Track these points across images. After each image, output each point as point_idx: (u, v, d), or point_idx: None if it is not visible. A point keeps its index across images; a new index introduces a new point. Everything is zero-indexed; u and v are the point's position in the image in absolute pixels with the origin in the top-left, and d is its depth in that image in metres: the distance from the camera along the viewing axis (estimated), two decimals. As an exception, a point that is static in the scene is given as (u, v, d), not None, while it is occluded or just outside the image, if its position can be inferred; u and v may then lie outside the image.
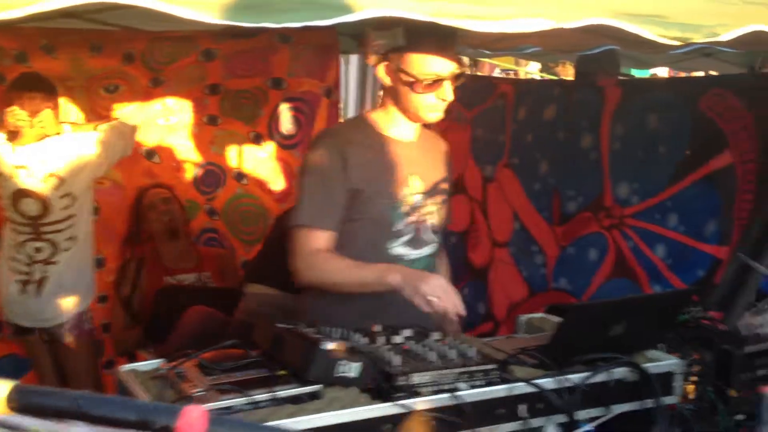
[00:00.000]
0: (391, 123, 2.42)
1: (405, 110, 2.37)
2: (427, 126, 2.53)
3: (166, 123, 4.01)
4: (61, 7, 1.51)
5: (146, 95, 3.92)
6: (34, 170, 3.36)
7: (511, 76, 10.94)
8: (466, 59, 10.65)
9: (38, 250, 3.41)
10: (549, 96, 3.78)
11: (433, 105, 2.33)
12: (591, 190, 3.50)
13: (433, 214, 2.45)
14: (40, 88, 3.35)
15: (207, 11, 1.58)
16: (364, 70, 4.55)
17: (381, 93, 4.56)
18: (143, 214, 3.80)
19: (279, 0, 1.62)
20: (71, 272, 3.48)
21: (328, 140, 2.43)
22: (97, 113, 3.82)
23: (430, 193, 2.44)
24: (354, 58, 4.52)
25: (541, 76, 9.95)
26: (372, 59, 2.34)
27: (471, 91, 4.25)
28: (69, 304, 3.47)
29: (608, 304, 2.20)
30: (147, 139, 3.96)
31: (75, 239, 3.47)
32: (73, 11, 3.26)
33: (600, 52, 3.51)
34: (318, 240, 2.33)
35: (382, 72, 2.33)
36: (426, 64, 2.27)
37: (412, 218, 2.40)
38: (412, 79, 2.28)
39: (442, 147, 2.59)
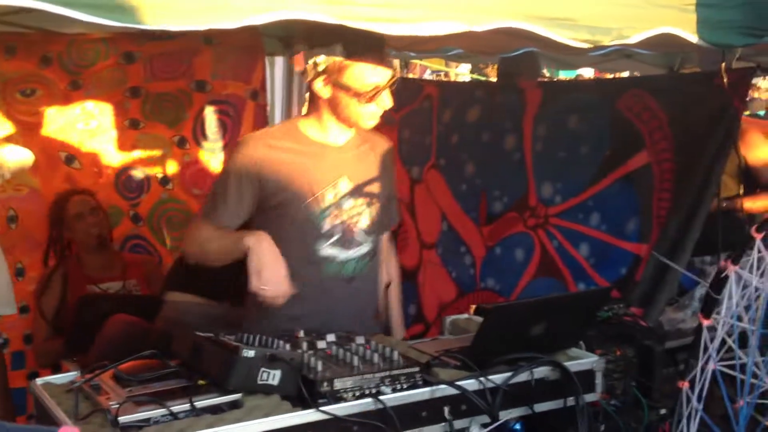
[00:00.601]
0: (322, 129, 2.45)
1: (344, 120, 2.42)
2: None
3: (86, 127, 3.89)
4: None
5: (65, 99, 3.80)
6: None
7: (442, 77, 11.04)
8: (396, 61, 10.74)
9: None
10: (472, 98, 3.81)
11: (373, 113, 2.39)
12: (516, 190, 3.54)
13: (363, 214, 2.47)
14: None
15: (113, 15, 1.54)
16: (290, 72, 4.51)
17: (307, 96, 4.58)
18: (69, 223, 3.67)
19: (183, 2, 1.58)
20: None
21: (248, 143, 2.46)
22: (13, 118, 3.69)
23: (358, 194, 2.46)
24: (279, 60, 4.48)
25: (471, 78, 10.05)
26: (308, 74, 2.35)
27: (399, 93, 4.22)
28: None
29: (528, 303, 2.23)
30: (67, 144, 3.84)
31: None
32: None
33: (521, 54, 3.56)
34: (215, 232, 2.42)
35: (319, 85, 2.35)
36: (365, 77, 2.31)
37: (340, 219, 2.42)
38: (353, 93, 2.32)
39: (381, 148, 2.60)
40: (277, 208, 2.40)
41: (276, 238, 2.33)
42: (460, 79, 10.82)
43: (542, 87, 3.63)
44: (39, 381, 2.01)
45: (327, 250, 2.42)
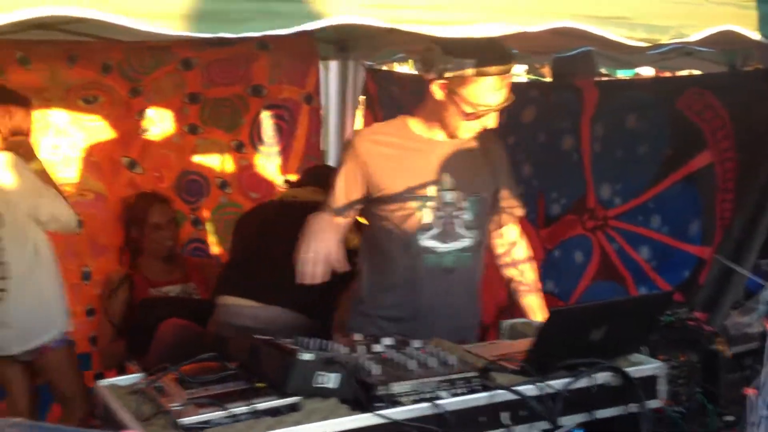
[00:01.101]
0: (428, 126, 2.53)
1: (445, 126, 2.49)
2: None
3: (147, 133, 3.98)
4: (25, 18, 1.48)
5: (126, 106, 3.89)
6: None
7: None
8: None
9: None
10: (528, 98, 3.76)
11: (474, 129, 2.46)
12: (574, 191, 3.49)
13: (465, 209, 2.53)
14: None
15: (166, 24, 1.56)
16: (344, 76, 4.54)
17: (363, 98, 4.59)
18: (146, 230, 3.75)
19: (236, 10, 1.60)
20: (16, 314, 3.27)
21: (356, 137, 2.61)
22: (77, 124, 3.80)
23: (461, 188, 2.52)
24: (333, 65, 4.51)
25: (527, 78, 9.95)
26: (429, 75, 2.41)
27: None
28: (16, 341, 3.32)
29: (589, 307, 2.19)
30: (129, 149, 3.93)
31: (7, 268, 3.24)
32: (47, 22, 3.23)
33: (576, 53, 3.51)
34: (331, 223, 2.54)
35: (436, 87, 2.41)
36: (484, 97, 2.36)
37: (441, 213, 2.49)
38: (466, 107, 2.37)
39: (489, 143, 2.64)
40: (382, 200, 2.50)
41: (379, 228, 2.53)
42: (515, 79, 10.70)
43: (599, 86, 3.57)
44: (103, 382, 2.05)
45: (426, 241, 2.50)
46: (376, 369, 1.92)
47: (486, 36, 1.91)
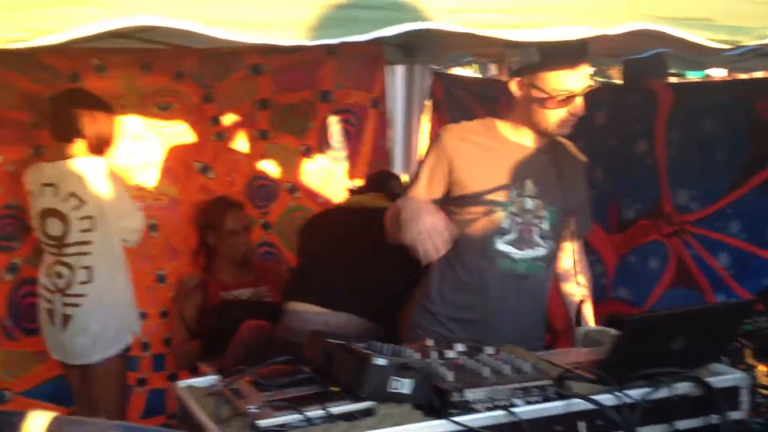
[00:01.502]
0: (516, 129, 2.50)
1: (535, 124, 2.45)
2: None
3: (218, 138, 4.05)
4: (110, 29, 1.52)
5: (198, 112, 3.96)
6: (59, 189, 3.29)
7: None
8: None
9: (59, 275, 3.31)
10: (599, 101, 3.69)
11: (564, 119, 2.41)
12: (648, 196, 3.42)
13: (543, 218, 2.50)
14: (67, 105, 3.36)
15: (246, 31, 1.59)
16: (410, 80, 4.54)
17: (429, 102, 4.58)
18: (221, 235, 3.81)
19: (313, 17, 1.61)
20: (95, 318, 3.32)
21: (445, 132, 2.54)
22: (152, 130, 3.88)
23: (542, 197, 2.49)
24: (399, 69, 4.52)
25: (594, 80, 9.81)
26: (505, 74, 2.45)
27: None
28: (97, 348, 3.36)
29: (668, 315, 2.13)
30: (201, 155, 4.00)
31: (92, 272, 3.29)
32: (122, 31, 3.31)
33: (648, 55, 3.43)
34: None
35: (514, 86, 2.43)
36: (559, 81, 2.34)
37: (520, 219, 2.47)
38: (544, 95, 2.35)
39: (574, 158, 2.64)
40: (461, 199, 2.48)
41: (460, 227, 2.47)
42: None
43: (674, 88, 3.50)
44: (181, 384, 2.09)
45: (502, 246, 2.48)
46: (449, 375, 1.91)
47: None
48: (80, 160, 3.29)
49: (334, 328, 2.95)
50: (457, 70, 5.83)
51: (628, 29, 1.91)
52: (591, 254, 3.67)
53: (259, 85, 4.03)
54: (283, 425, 1.76)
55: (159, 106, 3.87)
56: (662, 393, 1.91)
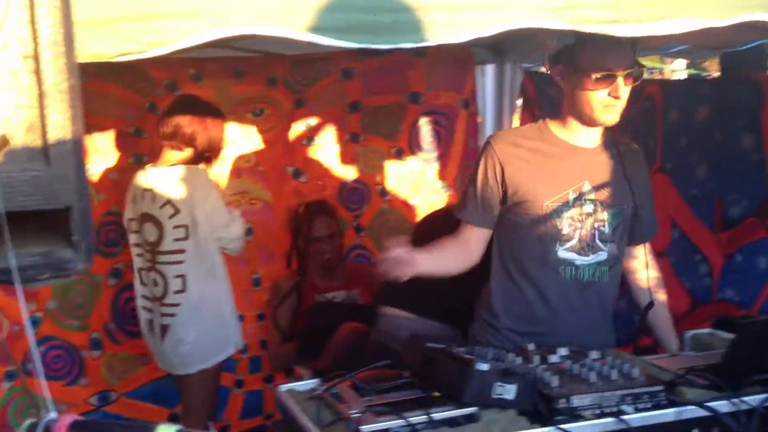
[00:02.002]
0: (568, 129, 2.43)
1: (579, 113, 2.37)
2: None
3: (310, 143, 4.08)
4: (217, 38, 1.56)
5: (290, 117, 4.01)
6: (157, 195, 3.30)
7: (656, 75, 10.52)
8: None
9: (155, 283, 3.33)
10: (700, 95, 3.57)
11: (606, 102, 2.30)
12: (756, 193, 3.27)
13: (605, 220, 2.41)
14: (183, 110, 3.36)
15: (346, 37, 1.59)
16: (500, 80, 4.47)
17: (519, 102, 4.52)
18: (309, 241, 3.85)
19: (410, 21, 1.60)
20: (191, 328, 3.31)
21: (495, 140, 2.49)
22: (246, 137, 3.95)
23: (601, 198, 2.41)
24: (489, 69, 4.46)
25: (689, 73, 9.50)
26: (547, 64, 2.40)
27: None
28: (194, 359, 3.35)
29: (786, 318, 2.04)
30: (293, 159, 4.05)
31: (185, 281, 3.29)
32: (217, 41, 3.38)
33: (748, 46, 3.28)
34: (464, 232, 2.49)
35: (557, 75, 2.39)
36: (596, 59, 2.26)
37: (580, 223, 2.39)
38: (583, 75, 2.28)
39: (632, 154, 2.55)
40: (517, 207, 2.41)
41: (514, 237, 2.42)
42: (676, 75, 10.25)
43: (781, 79, 3.34)
44: (283, 387, 2.11)
45: (564, 253, 2.39)
46: (554, 380, 1.87)
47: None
48: (181, 168, 3.31)
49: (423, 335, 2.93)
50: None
51: (739, 20, 1.83)
52: (696, 254, 3.56)
53: (349, 88, 4.05)
54: (386, 430, 1.75)
55: (252, 113, 3.94)
56: (781, 400, 1.82)
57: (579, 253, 2.39)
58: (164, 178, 3.31)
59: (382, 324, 3.16)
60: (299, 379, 3.67)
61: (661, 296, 2.62)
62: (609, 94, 2.28)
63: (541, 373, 1.92)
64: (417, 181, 4.24)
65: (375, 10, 1.64)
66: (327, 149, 4.10)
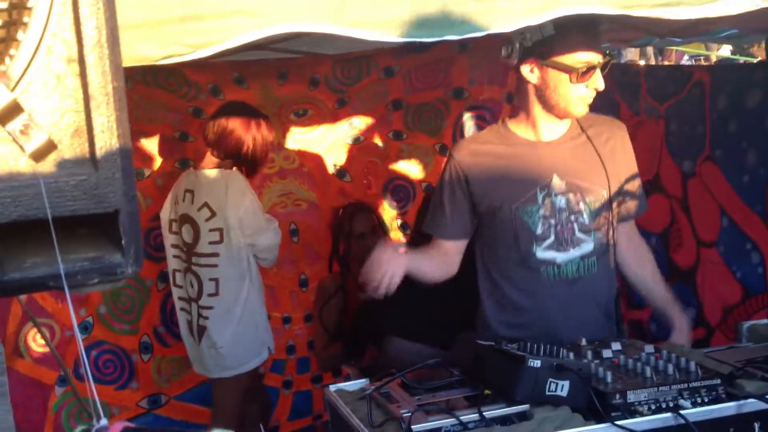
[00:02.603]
0: (531, 125, 2.38)
1: (553, 106, 2.31)
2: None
3: (354, 142, 4.08)
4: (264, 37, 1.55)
5: (333, 117, 4.01)
6: (195, 197, 3.33)
7: (702, 62, 10.31)
8: (649, 49, 10.17)
9: (191, 284, 3.36)
10: (751, 80, 3.47)
11: (583, 96, 2.27)
12: (809, 179, 3.18)
13: (581, 211, 2.34)
14: (229, 115, 3.36)
15: (389, 31, 1.58)
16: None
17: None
18: (351, 239, 3.84)
19: (456, 12, 1.58)
20: (224, 332, 3.32)
21: (454, 151, 2.48)
22: (290, 137, 3.96)
23: (574, 190, 2.34)
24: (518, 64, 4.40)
25: (735, 59, 9.29)
26: (515, 59, 2.31)
27: (662, 83, 4.01)
28: (228, 363, 3.36)
29: None
30: (337, 159, 4.05)
31: (218, 285, 3.30)
32: (259, 42, 3.39)
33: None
34: (437, 247, 2.46)
35: (526, 70, 2.30)
36: (577, 53, 2.21)
37: (554, 220, 2.33)
38: (564, 70, 2.22)
39: (609, 133, 2.44)
40: (488, 213, 2.37)
41: (492, 245, 2.39)
42: (726, 61, 10.03)
43: (837, 62, 3.24)
44: (332, 388, 2.11)
45: (543, 253, 2.33)
46: (608, 376, 1.83)
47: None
48: (220, 172, 3.33)
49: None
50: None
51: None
52: (747, 243, 3.47)
53: (392, 86, 4.03)
54: (438, 429, 1.74)
55: (296, 114, 3.95)
56: None
57: (558, 250, 2.33)
58: (204, 180, 3.33)
59: (390, 349, 3.14)
60: (347, 378, 3.68)
61: (647, 269, 2.55)
62: (587, 87, 2.24)
63: (595, 368, 1.88)
64: (462, 178, 4.21)
65: (420, 3, 1.62)
66: (371, 148, 4.09)
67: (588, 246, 2.35)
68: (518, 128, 2.40)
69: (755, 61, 7.18)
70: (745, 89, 3.50)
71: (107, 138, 0.86)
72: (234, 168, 3.37)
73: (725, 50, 10.06)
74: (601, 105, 2.54)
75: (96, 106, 0.86)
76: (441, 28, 1.59)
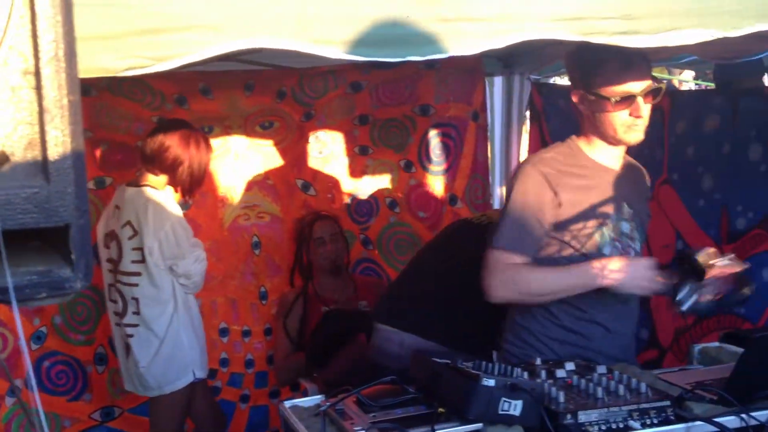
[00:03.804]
0: (596, 148, 2.43)
1: (603, 134, 2.37)
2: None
3: (319, 155, 4.08)
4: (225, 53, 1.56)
5: (299, 130, 4.01)
6: (122, 213, 3.26)
7: (663, 86, 10.48)
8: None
9: (114, 301, 3.30)
10: (710, 106, 3.54)
11: (628, 123, 2.31)
12: (763, 205, 3.24)
13: (636, 239, 2.46)
14: (167, 132, 3.27)
15: (351, 50, 1.59)
16: (509, 92, 4.47)
17: (528, 114, 4.51)
18: (311, 246, 3.85)
19: (419, 33, 1.60)
20: (144, 352, 3.24)
21: (539, 167, 2.39)
22: (255, 149, 3.95)
23: (633, 218, 2.45)
24: (498, 80, 4.46)
25: (697, 84, 9.46)
26: (571, 89, 2.40)
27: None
28: (149, 383, 3.28)
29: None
30: (302, 172, 4.05)
31: (138, 304, 3.22)
32: (226, 54, 3.38)
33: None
34: (513, 261, 2.36)
35: (576, 98, 2.37)
36: (613, 81, 2.27)
37: (619, 244, 2.41)
38: (601, 99, 2.29)
39: (642, 175, 2.64)
40: (565, 232, 2.36)
41: (559, 260, 2.37)
42: (684, 86, 10.21)
43: (791, 91, 3.32)
44: (287, 403, 2.10)
45: None
46: (561, 396, 1.86)
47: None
48: (147, 191, 3.23)
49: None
50: (558, 80, 5.71)
51: (752, 30, 1.81)
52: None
53: (358, 101, 4.06)
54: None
55: (262, 126, 3.94)
56: (791, 416, 1.80)
57: None
58: (129, 198, 3.25)
59: (374, 338, 3.14)
60: (304, 393, 3.67)
61: None
62: (630, 114, 2.29)
63: (548, 388, 1.90)
64: (426, 194, 4.23)
65: (384, 23, 1.64)
66: (336, 162, 4.10)
67: None
68: (587, 149, 2.43)
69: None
70: (704, 115, 3.57)
71: (61, 152, 0.86)
72: (168, 187, 3.29)
73: (688, 75, 10.25)
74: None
75: (50, 119, 0.86)
76: (404, 48, 1.60)
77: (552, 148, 2.50)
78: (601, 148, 2.41)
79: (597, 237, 2.36)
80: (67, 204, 0.86)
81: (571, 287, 2.31)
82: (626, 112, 2.28)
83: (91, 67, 1.54)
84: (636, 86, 2.27)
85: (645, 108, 2.30)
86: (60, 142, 0.86)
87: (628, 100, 2.27)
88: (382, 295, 3.41)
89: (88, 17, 1.52)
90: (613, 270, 2.24)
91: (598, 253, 2.35)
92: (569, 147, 2.46)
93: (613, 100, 2.26)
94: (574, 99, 2.37)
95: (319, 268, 3.86)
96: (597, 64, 2.27)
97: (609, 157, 2.43)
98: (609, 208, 2.39)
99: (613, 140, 2.37)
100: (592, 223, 2.36)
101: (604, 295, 2.32)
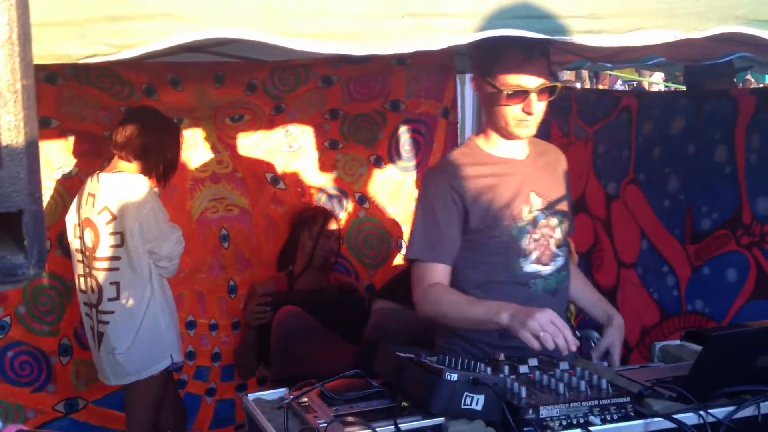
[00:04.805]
0: (494, 145, 2.42)
1: (497, 127, 2.37)
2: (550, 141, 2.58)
3: (289, 149, 4.07)
4: (189, 42, 1.54)
5: (269, 123, 3.99)
6: (97, 200, 3.29)
7: (633, 87, 10.60)
8: (585, 72, 10.41)
9: (92, 289, 3.30)
10: (676, 108, 3.59)
11: (520, 118, 2.31)
12: (727, 206, 3.29)
13: (555, 227, 2.43)
14: (139, 120, 3.35)
15: (319, 43, 1.59)
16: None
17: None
18: (316, 237, 3.77)
19: (388, 27, 1.60)
20: (123, 338, 3.27)
21: (439, 174, 2.43)
22: (224, 142, 3.93)
23: (548, 207, 2.42)
24: (469, 78, 4.46)
25: (666, 86, 9.58)
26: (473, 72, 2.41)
27: (592, 106, 4.11)
28: (126, 370, 3.31)
29: (755, 330, 2.04)
30: (272, 165, 4.03)
31: (119, 288, 3.25)
32: (195, 45, 3.36)
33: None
34: (433, 273, 2.35)
35: (472, 84, 2.39)
36: (509, 74, 2.26)
37: (537, 235, 2.39)
38: (495, 91, 2.29)
39: (558, 159, 2.58)
40: (479, 232, 2.37)
41: (480, 262, 2.37)
42: (654, 88, 10.33)
43: (757, 94, 3.36)
44: (251, 396, 2.09)
45: (529, 266, 2.39)
46: (523, 391, 1.87)
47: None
48: (123, 176, 3.30)
49: (413, 325, 2.89)
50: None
51: (714, 32, 1.83)
52: (663, 265, 3.57)
53: (329, 95, 4.05)
54: (352, 440, 1.74)
55: (231, 118, 3.92)
56: (747, 412, 1.83)
57: (543, 264, 2.40)
58: (105, 184, 3.29)
59: (374, 317, 3.15)
60: (262, 380, 3.66)
61: (580, 279, 2.71)
62: (522, 110, 2.29)
63: (511, 383, 1.91)
64: (395, 190, 4.24)
65: (353, 17, 1.64)
66: (306, 156, 4.09)
67: (561, 260, 2.45)
68: (486, 145, 2.43)
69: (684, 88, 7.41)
70: (670, 116, 3.61)
71: (13, 136, 0.85)
72: (140, 173, 3.33)
73: (657, 77, 10.37)
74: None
75: (3, 103, 0.84)
76: (371, 42, 1.60)
77: (455, 151, 2.52)
78: (499, 142, 2.41)
79: (512, 232, 2.36)
80: (19, 189, 0.84)
81: (477, 321, 2.23)
82: (519, 106, 2.28)
83: (54, 53, 1.52)
84: (531, 81, 2.26)
85: (538, 105, 2.29)
86: (13, 127, 0.85)
87: (521, 94, 2.27)
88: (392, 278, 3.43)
89: (53, 3, 1.50)
90: (507, 311, 2.11)
91: (517, 248, 2.35)
92: (468, 147, 2.48)
93: (506, 92, 2.26)
94: (473, 85, 2.38)
95: (316, 261, 3.79)
96: (496, 53, 2.26)
97: (510, 150, 2.42)
98: (518, 201, 2.37)
99: (505, 133, 2.36)
100: (503, 219, 2.35)
101: (526, 290, 2.36)
